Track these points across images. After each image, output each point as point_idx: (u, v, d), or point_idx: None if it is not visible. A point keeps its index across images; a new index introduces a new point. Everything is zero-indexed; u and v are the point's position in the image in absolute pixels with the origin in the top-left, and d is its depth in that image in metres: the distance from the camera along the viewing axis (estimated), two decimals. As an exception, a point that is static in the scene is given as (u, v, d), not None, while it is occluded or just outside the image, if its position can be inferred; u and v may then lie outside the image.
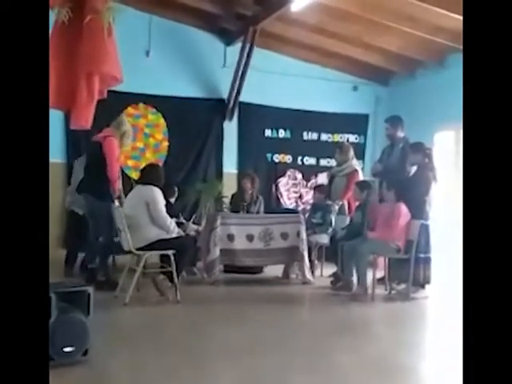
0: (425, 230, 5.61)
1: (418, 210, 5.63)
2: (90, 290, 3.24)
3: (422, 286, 5.77)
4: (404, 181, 5.89)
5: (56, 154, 6.97)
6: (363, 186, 6.14)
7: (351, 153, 6.81)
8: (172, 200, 6.24)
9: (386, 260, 5.84)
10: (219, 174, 8.31)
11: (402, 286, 5.74)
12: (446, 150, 7.62)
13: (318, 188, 7.24)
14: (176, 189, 6.49)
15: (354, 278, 5.63)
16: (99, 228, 5.36)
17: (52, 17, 3.68)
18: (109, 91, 4.32)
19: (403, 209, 5.56)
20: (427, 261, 5.68)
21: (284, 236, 6.10)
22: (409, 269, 5.48)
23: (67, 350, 3.06)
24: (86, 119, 3.99)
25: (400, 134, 6.40)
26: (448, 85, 7.09)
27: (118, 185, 5.45)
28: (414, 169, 5.94)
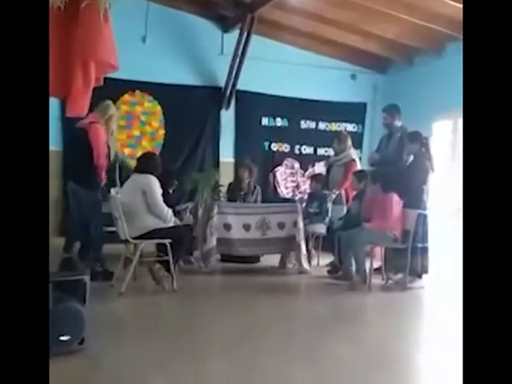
0: (422, 219, 5.60)
1: (415, 199, 5.62)
2: (87, 278, 3.24)
3: (419, 276, 5.78)
4: (401, 170, 5.88)
5: (51, 142, 6.86)
6: (361, 175, 6.13)
7: (349, 142, 6.79)
8: (170, 190, 6.20)
9: (383, 250, 5.84)
10: (216, 162, 8.28)
11: (399, 275, 5.75)
12: (444, 139, 7.60)
13: (315, 177, 7.21)
14: (175, 181, 6.45)
15: (353, 267, 5.64)
16: (87, 218, 5.25)
17: (48, 2, 3.63)
18: (105, 78, 4.27)
19: (394, 198, 5.55)
20: (424, 250, 5.68)
21: (281, 225, 6.08)
22: (406, 258, 5.48)
23: (63, 338, 3.07)
24: (81, 107, 3.94)
25: (397, 122, 6.37)
26: (446, 73, 7.07)
27: (105, 172, 5.27)
28: (410, 158, 5.93)
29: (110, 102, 5.52)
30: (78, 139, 5.29)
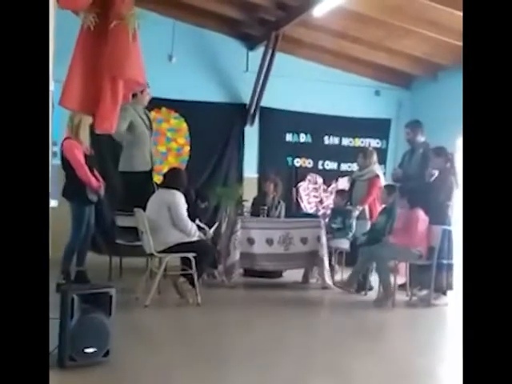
0: (447, 235, 5.56)
1: (440, 215, 5.59)
2: (112, 291, 3.27)
3: (444, 293, 5.71)
4: (426, 186, 5.85)
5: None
6: (391, 189, 6.12)
7: (374, 158, 6.79)
8: (203, 205, 6.37)
9: (408, 265, 5.80)
10: (240, 178, 8.35)
11: (424, 292, 5.69)
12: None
13: (339, 192, 7.23)
14: (206, 201, 6.62)
15: (359, 280, 5.84)
16: (74, 230, 5.34)
17: (78, 22, 3.76)
18: (132, 95, 4.38)
19: (420, 214, 5.53)
20: (450, 267, 5.62)
21: (304, 240, 6.09)
22: (430, 275, 5.43)
23: (89, 350, 3.12)
24: (110, 123, 4.04)
25: (420, 138, 6.36)
26: (471, 89, 7.01)
27: (98, 184, 5.30)
28: (435, 173, 5.90)
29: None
30: (61, 156, 5.33)
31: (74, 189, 5.27)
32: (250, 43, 8.28)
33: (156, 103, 7.75)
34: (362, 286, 5.91)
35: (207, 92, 8.11)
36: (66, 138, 5.29)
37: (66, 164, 5.25)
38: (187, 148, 8.18)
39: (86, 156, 5.33)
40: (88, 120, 5.12)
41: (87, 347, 3.11)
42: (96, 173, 5.47)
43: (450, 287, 5.68)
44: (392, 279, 5.47)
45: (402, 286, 5.83)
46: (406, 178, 6.20)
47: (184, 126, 8.15)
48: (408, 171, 6.26)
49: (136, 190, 5.85)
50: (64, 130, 5.45)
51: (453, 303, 5.65)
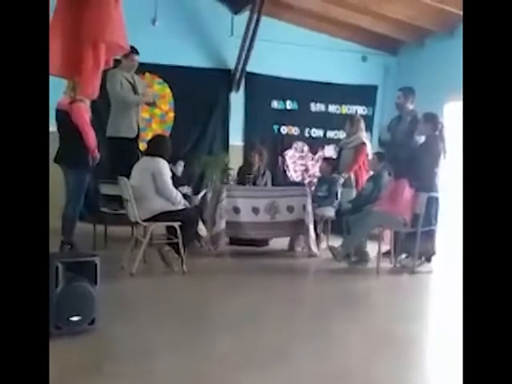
0: (434, 202, 5.58)
1: (427, 182, 5.59)
2: (97, 260, 3.25)
3: (428, 260, 5.77)
4: (413, 153, 5.84)
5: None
6: (381, 156, 6.10)
7: (361, 125, 6.76)
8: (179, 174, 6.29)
9: (392, 233, 5.83)
10: (225, 145, 8.27)
11: (408, 259, 5.74)
12: (456, 120, 7.51)
13: (325, 160, 7.21)
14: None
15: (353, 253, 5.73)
16: (70, 197, 5.26)
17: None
18: (114, 60, 4.26)
19: (406, 185, 5.53)
20: (433, 233, 5.67)
21: (290, 209, 6.08)
22: (414, 242, 5.47)
23: (74, 319, 3.11)
24: (92, 89, 3.94)
25: (409, 105, 6.34)
26: (458, 54, 6.91)
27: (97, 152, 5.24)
28: (421, 139, 5.89)
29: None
30: (61, 121, 5.15)
31: (76, 155, 5.12)
32: (235, 7, 8.09)
33: (139, 68, 7.57)
34: (361, 256, 5.82)
35: (191, 57, 7.95)
36: (71, 102, 5.08)
37: (70, 128, 5.06)
38: (171, 114, 8.06)
39: None
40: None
41: (73, 315, 3.10)
42: None
43: (433, 253, 5.74)
44: (376, 247, 5.49)
45: (387, 254, 5.88)
46: (393, 144, 6.18)
47: (168, 91, 8.01)
48: (394, 138, 6.24)
49: (121, 157, 5.78)
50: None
51: (437, 270, 5.73)
